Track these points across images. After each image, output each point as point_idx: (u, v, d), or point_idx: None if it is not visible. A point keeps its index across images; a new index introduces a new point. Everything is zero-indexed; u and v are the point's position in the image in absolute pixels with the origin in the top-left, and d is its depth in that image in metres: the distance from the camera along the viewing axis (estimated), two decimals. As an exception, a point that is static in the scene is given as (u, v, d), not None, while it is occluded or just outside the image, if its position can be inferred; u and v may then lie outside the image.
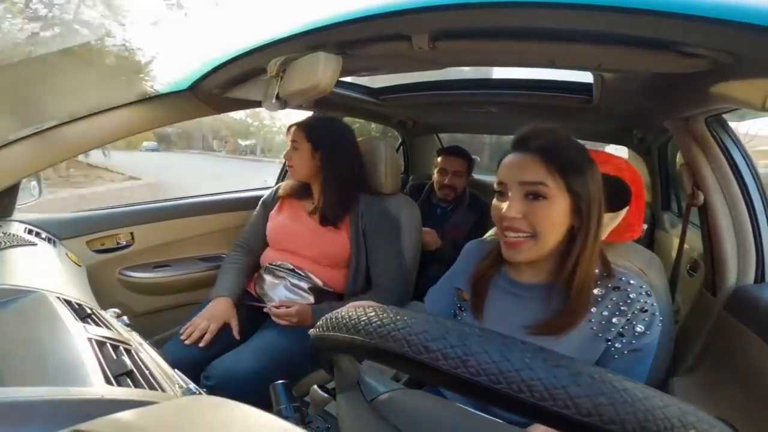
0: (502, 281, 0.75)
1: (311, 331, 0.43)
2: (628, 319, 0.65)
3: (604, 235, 0.82)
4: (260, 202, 1.39)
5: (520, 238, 0.66)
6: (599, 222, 0.66)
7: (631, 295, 0.66)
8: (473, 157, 2.44)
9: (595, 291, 0.68)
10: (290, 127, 1.26)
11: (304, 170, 1.23)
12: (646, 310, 0.65)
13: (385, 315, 0.34)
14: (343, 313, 0.38)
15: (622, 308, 0.66)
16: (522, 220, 0.65)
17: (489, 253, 0.77)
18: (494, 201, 0.69)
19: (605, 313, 0.66)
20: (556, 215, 0.64)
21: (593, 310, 0.67)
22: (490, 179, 2.59)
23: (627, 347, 0.65)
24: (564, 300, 0.67)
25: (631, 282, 0.67)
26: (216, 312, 1.14)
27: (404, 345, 0.31)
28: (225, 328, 1.16)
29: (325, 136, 1.23)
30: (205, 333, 1.10)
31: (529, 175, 0.64)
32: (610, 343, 0.66)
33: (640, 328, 0.65)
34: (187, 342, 1.09)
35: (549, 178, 0.63)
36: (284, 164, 1.92)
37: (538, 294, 0.71)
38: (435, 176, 1.94)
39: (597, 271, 0.68)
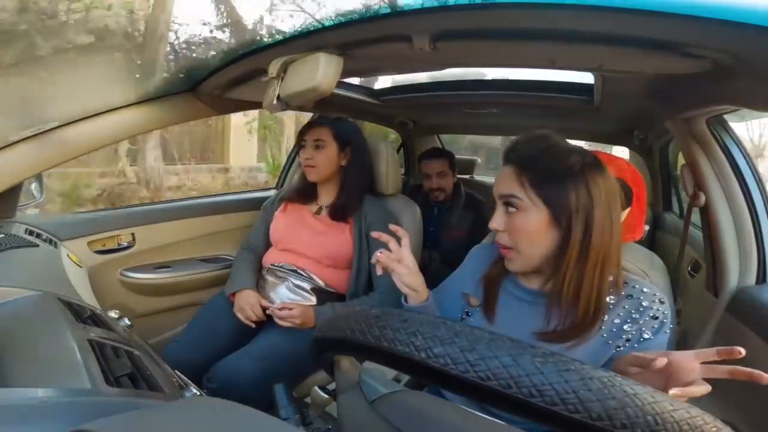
0: (512, 286, 0.75)
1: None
2: (639, 326, 0.65)
3: None
4: (261, 208, 1.39)
5: (507, 249, 0.68)
6: (589, 233, 0.62)
7: (644, 303, 0.65)
8: (473, 158, 2.43)
9: (607, 299, 0.67)
10: (309, 127, 1.25)
11: (328, 169, 1.24)
12: (656, 318, 0.65)
13: (391, 318, 0.34)
14: (348, 314, 0.38)
15: (633, 316, 0.65)
16: (503, 233, 0.67)
17: (499, 258, 0.76)
18: None
19: (617, 321, 0.66)
20: (530, 226, 0.64)
21: (605, 318, 0.66)
22: (490, 180, 2.59)
23: (628, 351, 0.64)
24: (570, 308, 0.66)
25: (645, 290, 0.67)
26: (251, 301, 1.15)
27: (412, 348, 0.31)
28: (227, 329, 1.16)
29: (351, 135, 1.26)
30: (256, 315, 1.14)
31: (503, 187, 0.66)
32: (619, 349, 0.66)
33: (647, 334, 0.64)
34: (249, 322, 1.13)
35: (520, 189, 0.64)
36: (285, 167, 1.92)
37: (544, 300, 0.70)
38: (423, 181, 1.96)
39: (611, 278, 0.66)
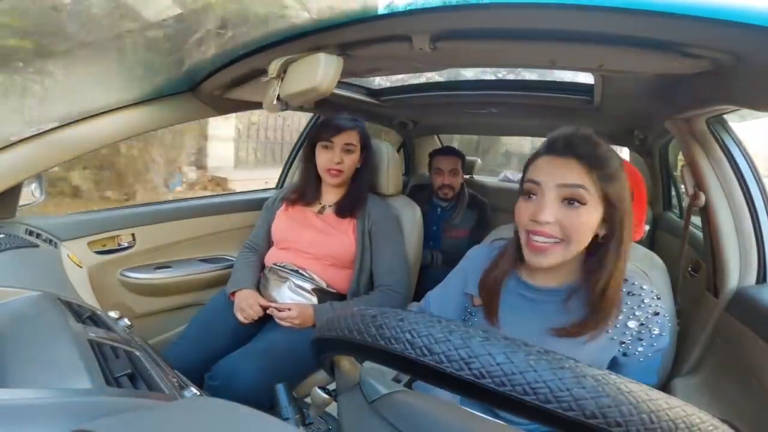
0: (516, 285, 0.74)
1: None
2: (642, 324, 0.67)
3: None
4: (264, 207, 1.39)
5: (548, 243, 0.64)
6: (629, 234, 0.66)
7: (645, 300, 0.67)
8: (474, 158, 2.44)
9: None
10: (339, 129, 1.20)
11: (351, 172, 1.25)
12: (658, 313, 0.67)
13: (387, 316, 0.34)
14: (346, 315, 0.38)
15: (636, 313, 0.67)
16: (554, 225, 0.63)
17: (500, 258, 0.76)
18: (520, 202, 0.67)
19: (620, 317, 0.67)
20: (591, 222, 0.63)
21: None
22: (490, 180, 2.60)
23: (649, 350, 0.67)
24: (583, 304, 0.67)
25: (644, 287, 0.68)
26: (250, 301, 1.16)
27: (407, 347, 0.31)
28: (228, 328, 1.17)
29: (368, 140, 1.28)
30: (254, 312, 1.14)
31: (570, 177, 0.62)
32: (624, 345, 0.67)
33: (656, 330, 0.67)
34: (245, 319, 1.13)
35: (590, 183, 0.62)
36: (286, 167, 1.92)
37: (555, 298, 0.70)
38: (432, 178, 1.96)
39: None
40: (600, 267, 0.66)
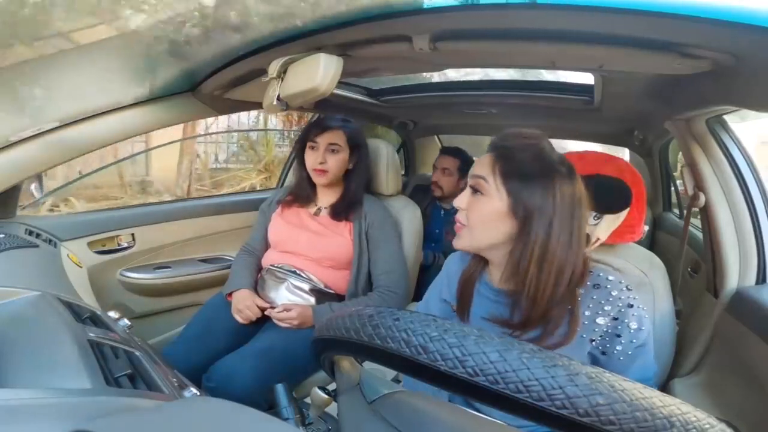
0: (483, 287, 0.75)
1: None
2: (615, 318, 0.64)
3: (605, 237, 0.82)
4: (259, 209, 1.39)
5: (460, 226, 0.70)
6: (548, 237, 0.62)
7: (613, 293, 0.65)
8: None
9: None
10: (323, 129, 1.21)
11: (339, 173, 1.24)
12: (631, 305, 0.64)
13: (383, 316, 0.34)
14: (343, 314, 0.38)
15: (605, 307, 0.65)
16: (464, 211, 0.70)
17: (470, 261, 0.77)
18: None
19: (587, 313, 0.65)
20: (487, 212, 0.66)
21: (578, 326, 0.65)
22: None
23: (629, 347, 0.64)
24: (531, 310, 0.65)
25: (610, 278, 0.66)
26: (247, 302, 1.16)
27: (402, 345, 0.31)
28: (226, 329, 1.17)
29: (359, 139, 1.27)
30: (252, 313, 1.15)
31: (476, 169, 0.69)
32: (596, 343, 0.65)
33: (633, 324, 0.64)
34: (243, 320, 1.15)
35: (490, 174, 0.66)
36: (285, 168, 1.92)
37: (506, 300, 0.70)
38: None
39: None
40: (517, 268, 0.64)
